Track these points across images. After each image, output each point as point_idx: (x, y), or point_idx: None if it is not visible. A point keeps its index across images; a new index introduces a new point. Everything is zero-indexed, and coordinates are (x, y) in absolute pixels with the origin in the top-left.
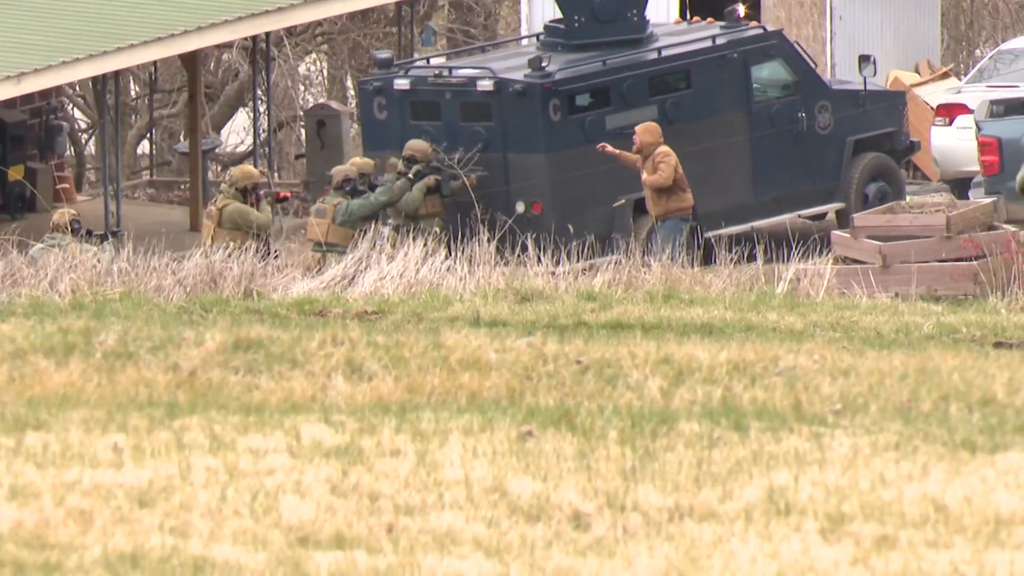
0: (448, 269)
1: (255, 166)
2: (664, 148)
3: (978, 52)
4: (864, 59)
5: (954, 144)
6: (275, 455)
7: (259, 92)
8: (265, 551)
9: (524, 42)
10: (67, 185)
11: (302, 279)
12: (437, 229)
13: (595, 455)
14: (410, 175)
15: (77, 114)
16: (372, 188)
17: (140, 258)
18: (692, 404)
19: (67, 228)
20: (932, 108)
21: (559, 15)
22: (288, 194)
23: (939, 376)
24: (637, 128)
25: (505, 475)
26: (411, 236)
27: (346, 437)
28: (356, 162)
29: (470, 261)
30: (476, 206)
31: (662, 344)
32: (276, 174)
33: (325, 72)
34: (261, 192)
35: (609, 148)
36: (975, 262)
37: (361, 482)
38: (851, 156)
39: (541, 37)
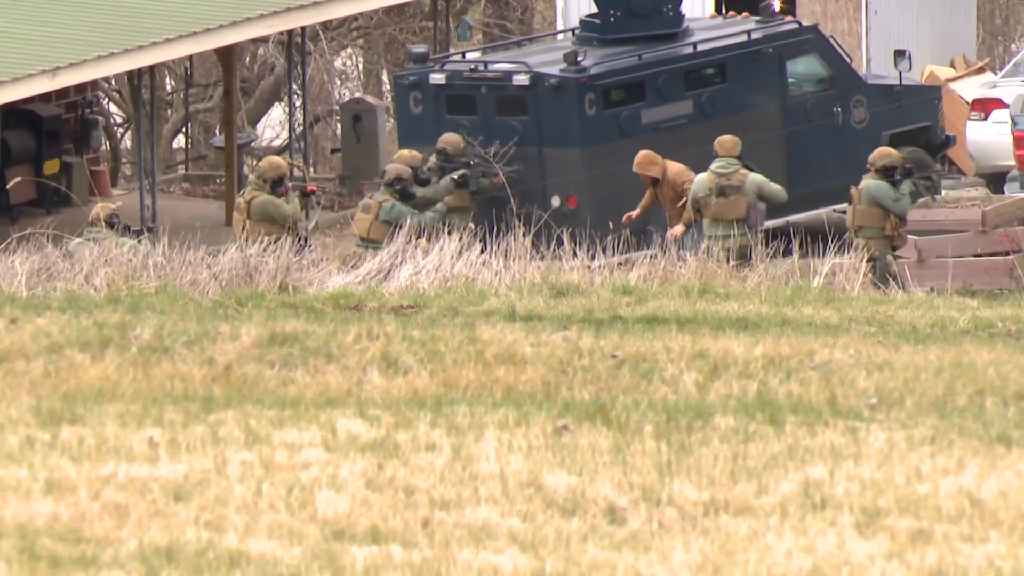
0: (484, 263)
1: (290, 160)
2: (680, 168)
3: (1014, 47)
4: (899, 54)
5: (989, 139)
6: (310, 449)
7: (295, 86)
8: (301, 545)
9: (560, 37)
10: (106, 185)
11: (338, 273)
12: (461, 223)
13: (630, 449)
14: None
15: (113, 108)
16: (419, 182)
17: (175, 252)
18: (727, 398)
19: (105, 222)
20: (967, 103)
21: (595, 10)
22: (315, 188)
23: (974, 370)
24: (637, 168)
25: (540, 469)
26: (446, 230)
27: (381, 431)
28: (403, 155)
29: (506, 255)
30: (512, 201)
31: (697, 338)
32: (312, 168)
33: (361, 66)
34: (289, 185)
35: (633, 214)
36: (1011, 256)
37: (396, 476)
38: None
39: (577, 32)
